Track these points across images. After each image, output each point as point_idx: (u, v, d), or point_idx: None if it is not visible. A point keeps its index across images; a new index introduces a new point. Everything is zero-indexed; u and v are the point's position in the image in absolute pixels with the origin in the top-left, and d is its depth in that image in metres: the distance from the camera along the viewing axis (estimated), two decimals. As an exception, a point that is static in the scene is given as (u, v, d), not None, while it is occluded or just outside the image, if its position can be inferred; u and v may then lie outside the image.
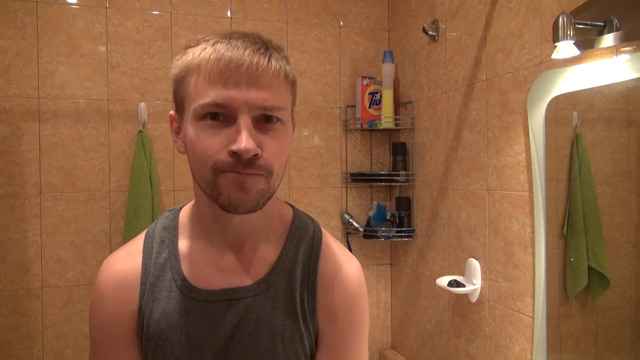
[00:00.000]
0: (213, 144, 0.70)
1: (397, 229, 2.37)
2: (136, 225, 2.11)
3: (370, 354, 2.60)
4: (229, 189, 0.71)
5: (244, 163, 0.69)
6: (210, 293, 0.78)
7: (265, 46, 0.73)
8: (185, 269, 0.80)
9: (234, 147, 0.68)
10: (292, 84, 0.78)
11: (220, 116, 0.71)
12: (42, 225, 2.13)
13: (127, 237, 2.12)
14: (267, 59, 0.71)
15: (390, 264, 2.61)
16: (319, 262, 0.84)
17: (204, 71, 0.71)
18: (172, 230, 0.84)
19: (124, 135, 2.22)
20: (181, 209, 0.88)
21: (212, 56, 0.71)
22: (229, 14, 2.36)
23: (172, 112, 0.81)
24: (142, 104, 2.21)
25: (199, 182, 0.75)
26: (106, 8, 2.20)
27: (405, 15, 2.43)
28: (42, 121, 2.12)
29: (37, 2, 2.11)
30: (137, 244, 0.84)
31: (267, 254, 0.82)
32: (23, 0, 2.09)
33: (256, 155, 0.70)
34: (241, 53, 0.70)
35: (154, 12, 2.26)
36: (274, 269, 0.81)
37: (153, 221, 2.24)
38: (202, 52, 0.72)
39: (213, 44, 0.72)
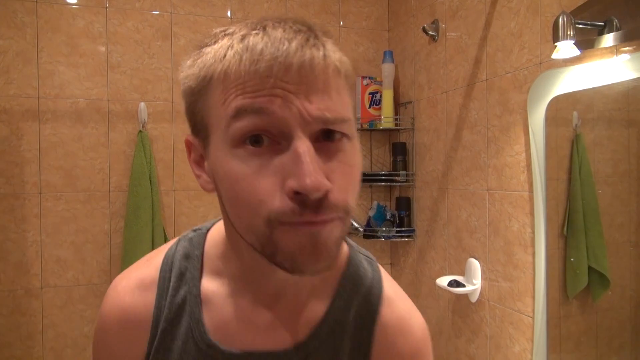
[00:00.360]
0: (263, 183, 0.50)
1: (397, 229, 2.37)
2: (136, 225, 2.11)
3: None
4: (294, 248, 0.50)
5: (312, 206, 0.49)
6: (234, 356, 0.61)
7: (314, 34, 0.53)
8: (206, 317, 0.63)
9: (296, 185, 0.48)
10: (352, 84, 0.58)
11: (264, 139, 0.51)
12: (42, 225, 2.13)
13: (127, 236, 2.12)
14: (321, 53, 0.51)
15: (391, 264, 2.61)
16: (376, 327, 0.65)
17: (236, 79, 0.51)
18: (195, 262, 0.66)
19: (124, 135, 2.22)
20: (208, 230, 0.69)
21: (244, 56, 0.50)
22: (229, 14, 2.36)
23: (188, 137, 0.60)
24: (142, 104, 2.21)
25: (240, 232, 0.55)
26: (106, 8, 2.20)
27: (405, 15, 2.43)
28: (42, 121, 2.12)
29: (37, 2, 2.11)
30: (151, 272, 0.67)
31: (311, 310, 0.64)
32: (23, 0, 2.09)
33: (326, 190, 0.49)
34: (286, 48, 0.50)
35: (154, 12, 2.26)
36: (316, 331, 0.63)
37: (152, 221, 2.21)
38: (228, 52, 0.52)
39: (242, 38, 0.52)
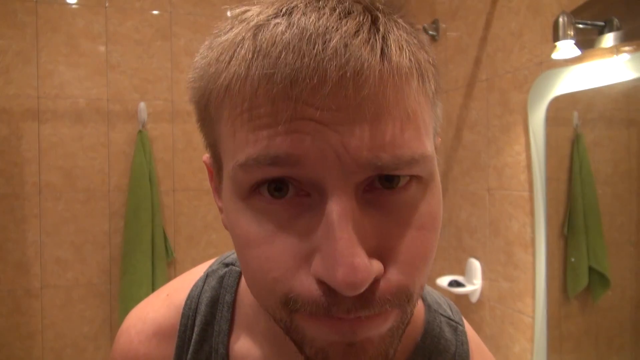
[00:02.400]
0: (279, 255, 0.35)
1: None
2: (136, 226, 2.11)
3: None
4: (325, 343, 0.36)
5: (346, 304, 0.34)
6: None
7: (371, 17, 0.35)
8: None
9: (324, 275, 0.33)
10: (437, 88, 0.40)
11: (289, 187, 0.36)
12: (42, 225, 2.13)
13: (127, 237, 2.12)
14: (378, 54, 0.34)
15: (391, 264, 2.60)
16: None
17: (242, 102, 0.35)
18: (225, 311, 0.52)
19: (124, 135, 2.23)
20: None
21: (254, 65, 0.34)
22: (229, 13, 2.36)
23: (206, 159, 0.46)
24: (142, 104, 2.21)
25: (260, 303, 0.42)
26: (106, 8, 2.20)
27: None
28: (42, 121, 2.12)
29: (36, 1, 2.11)
30: (171, 316, 0.54)
31: None
32: (23, 0, 2.09)
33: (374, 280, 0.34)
34: (318, 49, 0.33)
35: (154, 12, 2.26)
36: None
37: (152, 221, 2.20)
38: (236, 54, 0.35)
39: (257, 31, 0.35)
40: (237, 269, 0.54)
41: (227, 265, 0.56)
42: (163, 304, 0.55)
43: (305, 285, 0.34)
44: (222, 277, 0.54)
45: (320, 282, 0.34)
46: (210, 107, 0.38)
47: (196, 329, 0.52)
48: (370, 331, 0.35)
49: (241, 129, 0.35)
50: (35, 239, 2.12)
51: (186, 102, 2.29)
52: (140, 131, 2.19)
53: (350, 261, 0.32)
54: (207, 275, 0.55)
